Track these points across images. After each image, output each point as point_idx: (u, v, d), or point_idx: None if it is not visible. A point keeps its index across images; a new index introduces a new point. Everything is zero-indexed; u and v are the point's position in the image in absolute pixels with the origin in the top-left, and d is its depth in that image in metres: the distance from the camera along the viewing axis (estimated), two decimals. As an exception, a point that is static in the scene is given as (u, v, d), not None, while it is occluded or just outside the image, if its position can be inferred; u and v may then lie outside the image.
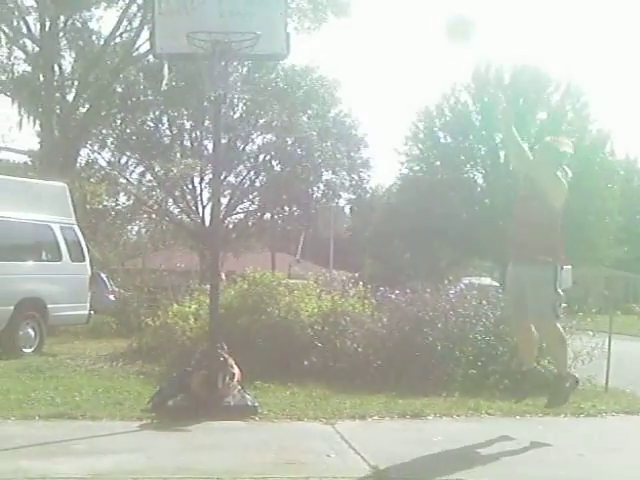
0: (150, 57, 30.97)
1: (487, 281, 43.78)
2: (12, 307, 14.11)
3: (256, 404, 8.63)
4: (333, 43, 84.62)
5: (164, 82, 14.86)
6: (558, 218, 7.73)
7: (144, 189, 39.31)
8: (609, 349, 10.74)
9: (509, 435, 7.79)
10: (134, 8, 32.00)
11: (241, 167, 41.77)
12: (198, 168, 36.98)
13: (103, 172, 38.29)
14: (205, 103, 31.95)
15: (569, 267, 12.31)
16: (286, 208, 42.96)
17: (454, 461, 6.81)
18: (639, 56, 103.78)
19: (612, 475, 6.47)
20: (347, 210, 48.34)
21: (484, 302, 11.28)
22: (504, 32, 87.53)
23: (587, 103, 47.95)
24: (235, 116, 39.41)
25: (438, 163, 49.14)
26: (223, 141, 36.90)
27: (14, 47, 32.85)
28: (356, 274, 14.93)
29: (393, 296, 11.95)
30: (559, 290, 7.60)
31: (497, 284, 29.39)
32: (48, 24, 31.63)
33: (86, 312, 15.97)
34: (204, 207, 40.53)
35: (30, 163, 35.12)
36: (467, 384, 9.96)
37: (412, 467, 6.60)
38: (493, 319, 10.94)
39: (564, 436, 7.70)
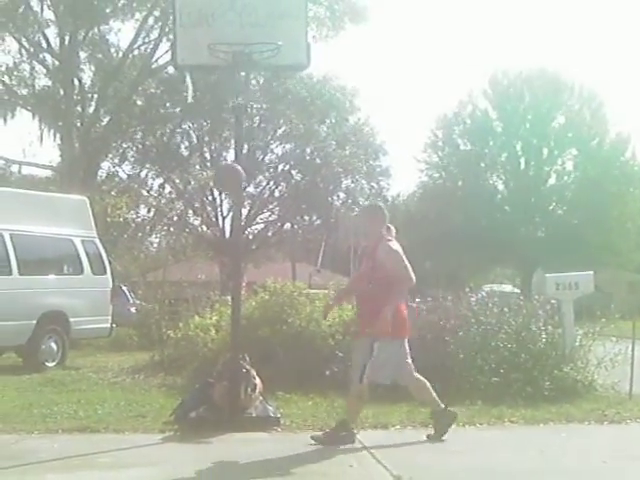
0: (169, 69, 31.17)
1: (508, 288, 43.66)
2: (35, 321, 14.19)
3: (278, 415, 8.63)
4: (351, 51, 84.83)
5: (189, 94, 14.88)
6: None
7: (164, 201, 39.39)
8: (632, 355, 10.64)
9: (533, 443, 7.75)
10: (151, 21, 32.20)
11: (260, 177, 41.77)
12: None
13: (123, 185, 38.42)
14: (224, 114, 32.14)
15: (591, 273, 12.28)
16: (306, 217, 42.93)
17: (477, 470, 6.78)
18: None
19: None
20: (367, 219, 48.16)
21: (506, 309, 11.21)
22: (520, 36, 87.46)
23: (606, 106, 47.73)
24: (254, 125, 39.44)
25: (458, 170, 49.02)
26: (243, 151, 37.05)
27: (34, 62, 33.12)
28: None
29: (414, 304, 11.91)
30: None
31: (518, 291, 29.28)
32: (67, 38, 31.89)
33: (108, 325, 16.03)
34: (224, 218, 40.57)
35: (51, 177, 35.36)
36: (490, 392, 9.90)
37: (435, 477, 6.58)
38: (515, 326, 10.87)
39: (588, 443, 7.65)
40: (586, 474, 6.65)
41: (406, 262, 7.81)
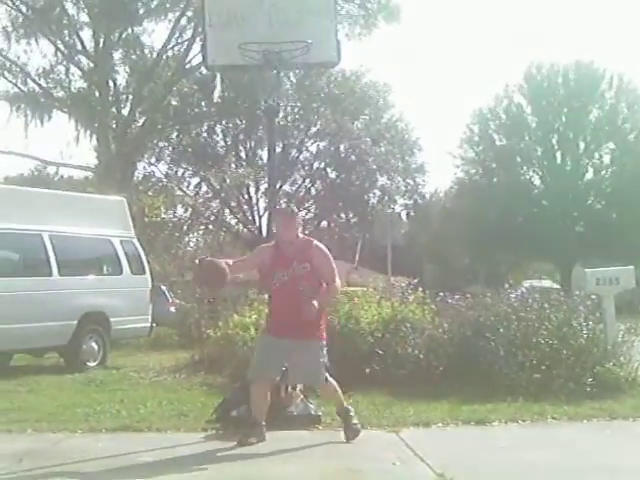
0: (203, 69, 31.30)
1: (548, 284, 43.37)
2: (75, 321, 14.31)
3: (319, 413, 8.62)
4: (385, 47, 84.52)
5: (216, 93, 15.00)
6: None
7: (201, 200, 39.59)
8: (676, 350, 10.52)
9: (576, 440, 7.69)
10: (184, 21, 32.35)
11: (296, 175, 41.89)
12: (251, 177, 37.13)
13: (160, 184, 38.68)
14: (258, 112, 32.25)
15: (632, 267, 12.16)
16: (342, 215, 42.98)
17: (521, 468, 6.73)
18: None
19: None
20: (404, 215, 48.17)
21: (546, 305, 11.12)
22: (555, 29, 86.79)
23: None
24: (288, 124, 39.52)
25: (494, 165, 48.74)
26: (277, 150, 37.15)
27: (70, 64, 33.41)
28: (415, 280, 14.81)
29: (453, 301, 11.86)
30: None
31: (558, 287, 29.07)
32: (102, 40, 32.14)
33: (148, 325, 16.13)
34: (260, 217, 40.76)
35: (88, 178, 35.66)
36: (531, 389, 9.82)
37: (479, 474, 6.54)
38: (556, 322, 10.78)
39: (632, 440, 7.55)
40: (632, 471, 6.57)
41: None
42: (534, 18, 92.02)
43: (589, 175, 47.75)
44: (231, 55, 8.98)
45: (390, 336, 11.28)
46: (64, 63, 33.58)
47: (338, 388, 7.98)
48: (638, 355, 10.65)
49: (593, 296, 11.54)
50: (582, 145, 47.06)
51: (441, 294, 12.38)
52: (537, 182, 49.05)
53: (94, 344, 14.79)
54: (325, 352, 7.79)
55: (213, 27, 9.17)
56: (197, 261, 7.38)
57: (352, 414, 7.87)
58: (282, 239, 7.76)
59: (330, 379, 7.90)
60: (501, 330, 10.63)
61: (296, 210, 8.36)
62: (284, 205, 9.16)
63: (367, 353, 10.98)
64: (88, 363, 14.44)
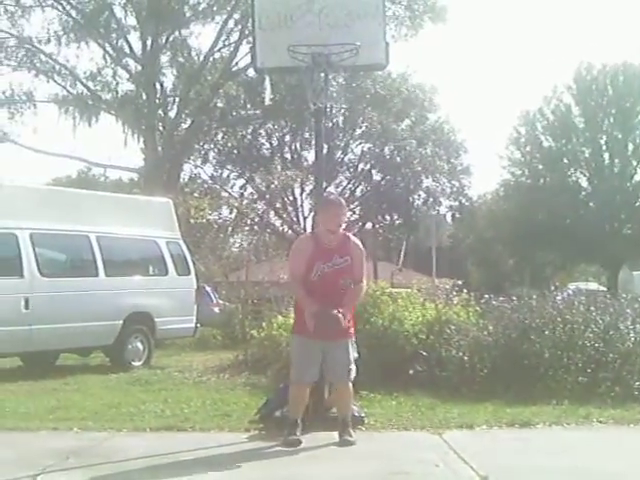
0: (249, 71, 31.45)
1: (594, 286, 42.89)
2: (121, 321, 14.46)
3: (362, 414, 8.59)
4: (431, 48, 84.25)
5: (267, 96, 15.08)
6: None
7: (246, 202, 39.77)
8: None
9: (623, 444, 7.59)
10: (231, 23, 32.53)
11: (341, 177, 41.91)
12: (298, 179, 37.24)
13: (206, 186, 38.92)
14: (305, 114, 32.31)
15: (639, 273, 11.99)
16: (387, 217, 42.92)
17: (566, 471, 6.66)
18: None
19: None
20: (449, 217, 47.97)
21: (592, 308, 11.01)
22: (604, 30, 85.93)
23: None
24: (333, 126, 39.56)
25: (541, 167, 48.34)
26: (323, 151, 37.17)
27: (118, 67, 33.75)
28: (459, 282, 14.76)
29: (498, 303, 11.79)
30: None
31: (604, 289, 28.78)
32: (149, 43, 32.44)
33: (192, 325, 16.23)
34: (305, 218, 40.84)
35: (135, 180, 36.01)
36: (577, 392, 9.74)
37: (521, 477, 6.48)
38: (602, 325, 10.67)
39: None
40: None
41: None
42: (583, 18, 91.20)
43: (638, 177, 47.21)
44: (280, 57, 8.99)
45: (434, 338, 11.24)
46: (112, 66, 33.97)
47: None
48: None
49: (641, 298, 11.40)
50: (631, 146, 46.53)
51: (486, 296, 12.31)
52: (584, 184, 48.57)
53: (139, 344, 14.94)
54: (355, 347, 7.74)
55: (262, 29, 9.19)
56: (316, 313, 7.35)
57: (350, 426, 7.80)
58: (327, 228, 7.72)
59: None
60: (546, 332, 10.55)
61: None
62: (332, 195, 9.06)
63: (411, 355, 10.96)
64: (133, 363, 14.60)
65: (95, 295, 14.10)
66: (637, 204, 46.74)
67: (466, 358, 10.73)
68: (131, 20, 32.98)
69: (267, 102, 22.04)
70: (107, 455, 7.10)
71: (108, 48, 33.09)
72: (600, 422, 8.62)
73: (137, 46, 33.11)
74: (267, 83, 11.84)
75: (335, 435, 7.81)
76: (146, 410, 9.35)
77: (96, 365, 14.79)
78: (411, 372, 10.65)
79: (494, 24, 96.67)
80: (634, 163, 46.76)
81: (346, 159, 42.12)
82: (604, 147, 46.78)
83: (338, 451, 7.40)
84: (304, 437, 7.83)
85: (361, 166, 42.30)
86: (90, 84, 34.03)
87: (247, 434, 8.10)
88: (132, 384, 11.91)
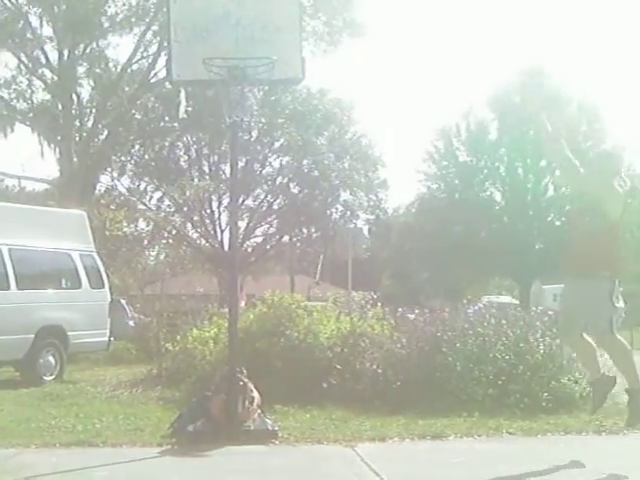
0: (167, 83, 31.21)
1: (507, 299, 43.69)
2: (33, 335, 14.21)
3: (276, 428, 8.62)
4: (349, 63, 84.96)
5: (182, 109, 15.04)
6: (617, 229, 7.53)
7: (163, 214, 39.44)
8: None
9: (531, 455, 7.75)
10: (149, 35, 32.27)
11: (259, 190, 41.83)
12: (211, 189, 37.13)
13: (122, 198, 38.50)
14: (222, 126, 32.19)
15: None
16: (304, 230, 42.98)
17: (475, 482, 6.79)
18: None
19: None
20: (365, 231, 48.28)
21: (503, 321, 11.22)
22: (519, 49, 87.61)
23: (602, 117, 47.80)
24: (252, 139, 39.52)
25: (457, 182, 49.09)
26: (240, 164, 37.03)
27: (33, 77, 33.18)
28: (374, 295, 14.88)
29: (412, 316, 11.93)
30: (616, 304, 7.45)
31: (517, 302, 29.32)
32: (66, 53, 31.97)
33: (106, 339, 16.04)
34: (222, 231, 40.63)
35: (50, 191, 35.42)
36: (487, 404, 9.90)
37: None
38: (513, 338, 10.89)
39: (586, 455, 7.61)
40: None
41: None
42: (499, 37, 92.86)
43: (550, 192, 48.22)
44: (196, 70, 8.96)
45: (348, 351, 11.34)
46: (27, 76, 33.34)
47: None
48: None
49: (550, 312, 11.63)
50: (544, 162, 47.56)
51: (400, 309, 12.45)
52: (499, 198, 49.46)
53: (51, 358, 14.67)
54: None
55: (178, 42, 9.14)
56: None
57: None
58: None
59: None
60: (458, 345, 10.72)
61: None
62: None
63: (325, 368, 11.03)
64: (45, 377, 14.32)
65: (6, 308, 13.81)
66: (549, 219, 47.75)
67: (380, 371, 10.86)
68: (47, 30, 32.45)
69: (182, 115, 21.87)
70: (15, 471, 6.95)
71: (23, 58, 32.49)
72: (509, 433, 8.79)
73: (53, 56, 32.61)
74: (182, 96, 11.73)
75: (250, 448, 7.83)
76: (57, 425, 9.19)
77: (6, 380, 14.46)
78: (325, 385, 10.70)
79: (412, 40, 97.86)
80: (546, 179, 47.77)
81: (264, 172, 42.07)
82: (518, 163, 47.71)
83: (251, 464, 7.40)
84: (218, 451, 7.83)
85: (279, 179, 42.27)
86: (4, 93, 33.37)
87: (159, 449, 8.03)
88: (43, 399, 11.68)
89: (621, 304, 7.51)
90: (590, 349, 7.75)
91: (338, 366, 10.97)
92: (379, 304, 13.35)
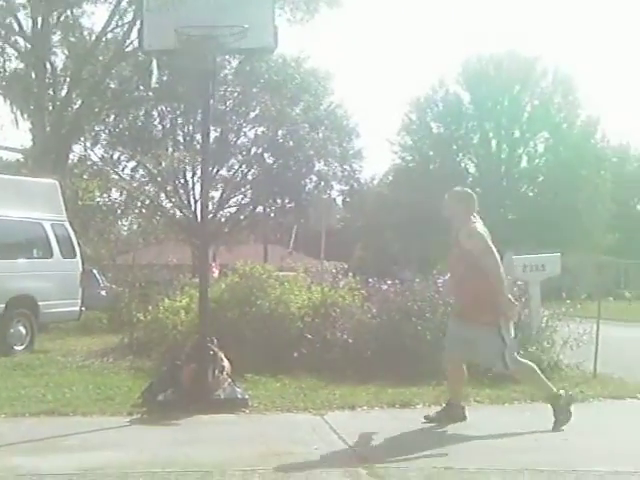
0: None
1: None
2: (3, 305, 14.10)
3: (246, 397, 8.68)
4: (326, 34, 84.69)
5: (153, 79, 14.93)
6: (495, 268, 7.60)
7: (136, 184, 39.24)
8: (597, 335, 10.77)
9: (497, 422, 7.85)
10: (124, 4, 31.92)
11: (233, 160, 41.67)
12: (187, 160, 36.98)
13: (95, 168, 38.25)
14: (197, 96, 32.03)
15: (558, 255, 12.41)
16: (278, 201, 42.90)
17: (442, 448, 6.87)
18: (627, 39, 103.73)
19: (595, 458, 6.51)
20: (340, 201, 48.29)
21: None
22: (492, 20, 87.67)
23: (577, 89, 47.96)
24: (227, 109, 39.34)
25: (431, 153, 49.20)
26: (215, 134, 36.92)
27: (6, 45, 32.79)
28: (345, 265, 14.96)
29: (384, 287, 11.98)
30: (506, 339, 7.57)
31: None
32: (40, 21, 31.58)
33: (77, 308, 15.97)
34: (196, 202, 40.47)
35: (22, 160, 35.12)
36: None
37: (401, 456, 6.64)
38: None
39: (551, 422, 7.71)
40: (548, 451, 6.76)
41: (491, 247, 7.77)
42: (475, 8, 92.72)
43: (524, 163, 48.47)
44: (168, 40, 8.90)
45: (319, 321, 11.41)
46: (-1, 44, 32.96)
47: None
48: (561, 340, 10.91)
49: (520, 282, 11.73)
50: (517, 133, 47.75)
51: (371, 280, 12.50)
52: (472, 170, 49.67)
53: (22, 328, 14.57)
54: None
55: (150, 11, 9.08)
56: None
57: None
58: None
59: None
60: (428, 315, 10.79)
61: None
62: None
63: (296, 337, 11.10)
64: (15, 347, 14.22)
65: (-24, 278, 13.76)
66: (522, 190, 48.02)
67: (350, 340, 10.93)
68: (21, -4, 32.04)
69: (153, 84, 21.68)
70: (-17, 440, 6.98)
71: (-5, 25, 32.10)
72: (477, 402, 8.92)
73: (27, 24, 32.20)
74: (154, 65, 11.67)
75: (220, 417, 7.89)
76: (26, 395, 9.18)
77: (-24, 350, 14.45)
78: (296, 355, 10.75)
79: (388, 11, 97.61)
80: (520, 150, 47.97)
81: (239, 142, 41.91)
82: (492, 134, 47.86)
83: (221, 433, 7.45)
84: (188, 420, 7.87)
85: (254, 150, 42.13)
86: (-26, 60, 32.96)
87: (129, 418, 8.08)
88: (13, 369, 11.65)
89: (512, 334, 7.66)
90: (460, 377, 8.07)
91: (309, 336, 11.03)
92: (351, 274, 13.40)
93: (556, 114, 47.44)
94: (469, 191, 8.47)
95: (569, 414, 7.64)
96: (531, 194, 48.24)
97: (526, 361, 8.03)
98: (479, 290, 7.53)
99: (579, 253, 38.98)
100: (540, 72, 47.48)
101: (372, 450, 6.77)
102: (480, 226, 7.96)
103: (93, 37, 33.54)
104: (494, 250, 7.74)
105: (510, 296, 7.87)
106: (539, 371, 8.03)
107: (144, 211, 41.17)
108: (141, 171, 40.82)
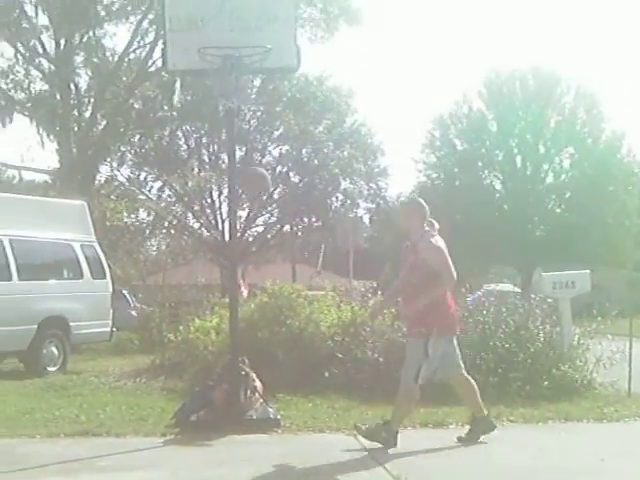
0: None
1: (508, 287, 43.60)
2: (36, 326, 14.23)
3: (278, 417, 8.68)
4: (347, 52, 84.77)
5: (176, 98, 15.06)
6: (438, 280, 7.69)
7: (163, 204, 39.42)
8: (630, 353, 10.68)
9: (532, 442, 7.80)
10: (146, 24, 32.19)
11: (259, 179, 41.76)
12: (213, 180, 37.13)
13: (122, 188, 38.47)
14: (220, 116, 32.17)
15: (587, 272, 12.35)
16: (305, 219, 42.95)
17: (477, 470, 6.84)
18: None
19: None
20: (366, 219, 48.19)
21: (503, 309, 11.25)
22: (514, 35, 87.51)
23: (600, 104, 47.70)
24: (250, 128, 39.51)
25: (455, 170, 49.04)
26: (239, 154, 37.03)
27: (30, 67, 33.13)
28: (375, 284, 14.93)
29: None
30: (429, 354, 7.73)
31: (519, 290, 29.32)
32: (63, 42, 31.90)
33: (108, 329, 16.07)
34: (223, 221, 40.60)
35: (50, 182, 35.39)
36: (488, 392, 9.88)
37: (435, 477, 6.62)
38: (513, 325, 10.92)
39: (586, 442, 7.68)
40: (584, 473, 6.71)
41: (448, 259, 7.83)
42: (496, 24, 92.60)
43: (549, 179, 48.18)
44: (191, 59, 8.99)
45: (350, 340, 11.38)
46: (24, 66, 33.27)
47: None
48: (593, 358, 10.83)
49: (550, 300, 11.68)
50: (542, 149, 47.49)
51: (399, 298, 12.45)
52: (498, 186, 49.41)
53: (54, 349, 14.71)
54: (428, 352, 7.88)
55: (173, 31, 9.17)
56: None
57: None
58: None
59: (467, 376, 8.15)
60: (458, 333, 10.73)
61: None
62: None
63: (327, 357, 11.08)
64: (48, 368, 14.35)
65: (8, 299, 13.83)
66: (549, 206, 47.76)
67: (381, 359, 10.88)
68: (43, 19, 32.36)
69: (176, 104, 21.85)
70: (20, 462, 7.03)
71: (20, 47, 32.42)
72: (510, 421, 8.86)
73: (50, 46, 32.53)
74: (177, 85, 11.76)
75: (252, 437, 7.89)
76: (61, 416, 9.25)
77: (10, 371, 14.53)
78: (327, 374, 10.75)
79: (409, 28, 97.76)
80: (545, 166, 47.73)
81: (264, 161, 42.01)
82: (516, 150, 47.66)
83: (255, 453, 7.45)
84: (221, 440, 7.89)
85: (279, 168, 42.23)
86: (1, 82, 33.30)
87: (162, 438, 8.10)
88: (47, 390, 11.74)
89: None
90: (470, 388, 8.12)
91: (340, 355, 11.01)
92: (379, 293, 13.37)
93: (580, 129, 47.15)
94: (421, 200, 8.53)
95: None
96: (558, 210, 47.91)
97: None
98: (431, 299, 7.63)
99: (608, 269, 38.69)
100: (563, 87, 47.29)
101: (406, 471, 6.75)
102: (439, 238, 8.06)
103: (116, 58, 33.84)
104: (450, 261, 7.91)
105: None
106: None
107: (172, 231, 41.35)
108: (167, 191, 41.00)
